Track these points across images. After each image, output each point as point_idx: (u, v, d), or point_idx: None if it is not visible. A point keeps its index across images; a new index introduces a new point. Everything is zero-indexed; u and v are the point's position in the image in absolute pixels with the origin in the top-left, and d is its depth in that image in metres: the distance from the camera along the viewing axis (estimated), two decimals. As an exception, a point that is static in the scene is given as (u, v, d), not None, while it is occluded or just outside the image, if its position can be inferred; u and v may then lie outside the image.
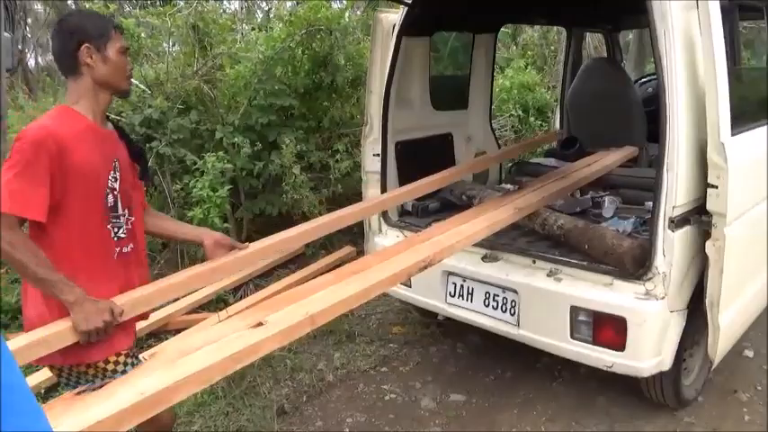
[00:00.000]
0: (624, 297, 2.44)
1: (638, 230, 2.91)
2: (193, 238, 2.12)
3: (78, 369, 1.74)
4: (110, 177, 1.80)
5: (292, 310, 1.74)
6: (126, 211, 1.85)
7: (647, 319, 2.39)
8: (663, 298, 2.40)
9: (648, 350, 2.43)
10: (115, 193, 1.81)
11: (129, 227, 1.86)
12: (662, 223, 2.37)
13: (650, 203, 3.11)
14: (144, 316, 1.91)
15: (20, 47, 6.88)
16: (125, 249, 1.84)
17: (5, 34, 4.81)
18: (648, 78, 5.26)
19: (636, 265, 2.45)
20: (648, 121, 4.09)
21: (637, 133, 4.05)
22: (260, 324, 1.64)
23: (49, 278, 1.61)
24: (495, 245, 2.86)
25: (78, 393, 1.36)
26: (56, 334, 1.57)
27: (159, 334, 3.58)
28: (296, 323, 1.66)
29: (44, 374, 3.00)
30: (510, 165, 4.43)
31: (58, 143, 1.64)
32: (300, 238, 2.39)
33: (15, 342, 1.55)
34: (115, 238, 1.81)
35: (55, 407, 1.29)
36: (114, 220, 1.81)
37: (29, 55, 12.29)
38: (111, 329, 1.65)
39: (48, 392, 2.95)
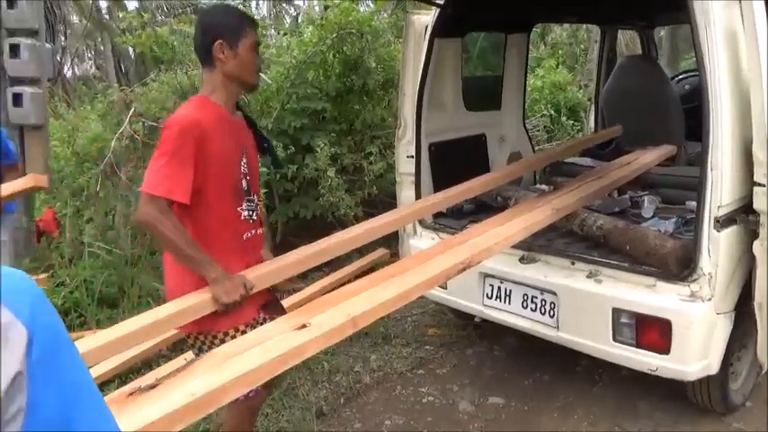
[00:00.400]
0: (668, 299, 2.39)
1: (681, 231, 2.84)
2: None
3: (205, 336, 1.92)
4: (241, 163, 1.95)
5: (334, 313, 1.75)
6: (254, 196, 2.01)
7: (693, 322, 2.34)
8: (709, 299, 2.34)
9: (694, 353, 2.37)
10: (247, 178, 1.97)
11: (258, 211, 2.02)
12: (707, 223, 2.32)
13: (692, 203, 3.05)
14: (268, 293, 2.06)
15: (58, 57, 7.09)
16: (253, 232, 2.00)
17: (46, 45, 4.97)
18: (686, 75, 5.15)
19: (680, 267, 2.39)
20: (686, 119, 4.01)
21: (675, 131, 3.97)
22: (303, 326, 1.66)
23: (196, 257, 1.80)
24: (532, 246, 2.83)
25: (131, 395, 1.39)
26: (199, 303, 1.79)
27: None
28: (338, 325, 1.68)
29: (92, 373, 3.07)
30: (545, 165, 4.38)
31: (201, 130, 1.80)
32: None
33: (164, 310, 1.81)
34: (248, 221, 1.97)
35: (109, 407, 1.32)
36: (247, 204, 1.96)
37: (66, 65, 12.66)
38: (243, 302, 1.84)
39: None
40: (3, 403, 0.63)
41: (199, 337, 1.93)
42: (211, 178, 1.84)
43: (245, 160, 1.96)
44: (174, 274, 1.93)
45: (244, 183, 1.94)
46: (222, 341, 1.85)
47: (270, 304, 2.03)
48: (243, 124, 2.03)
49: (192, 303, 1.79)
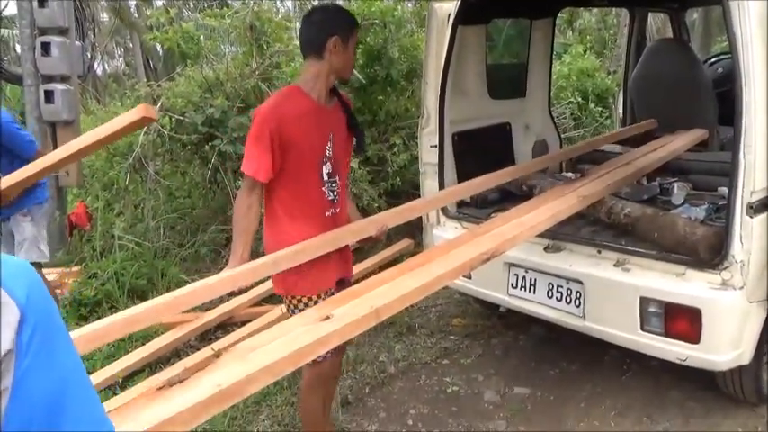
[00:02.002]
0: (698, 287, 2.34)
1: (712, 218, 2.76)
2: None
3: (290, 299, 2.16)
4: (327, 148, 2.14)
5: (358, 304, 1.75)
6: (337, 177, 2.19)
7: (724, 311, 2.28)
8: (741, 288, 2.27)
9: (726, 343, 2.31)
10: (331, 161, 2.15)
11: (341, 191, 2.21)
12: (739, 209, 2.25)
13: (723, 189, 2.96)
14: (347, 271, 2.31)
15: (88, 54, 7.23)
16: (335, 211, 2.19)
17: (76, 43, 5.07)
18: (718, 58, 4.99)
19: (711, 254, 2.33)
20: (719, 103, 3.90)
21: (707, 116, 3.86)
22: (327, 318, 1.66)
23: (235, 239, 2.08)
24: (557, 235, 2.78)
25: (159, 389, 1.42)
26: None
27: (226, 326, 3.70)
28: (362, 317, 1.68)
29: (122, 364, 3.15)
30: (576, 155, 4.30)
31: (279, 120, 2.02)
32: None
33: (262, 260, 2.05)
34: (331, 200, 2.17)
35: (139, 401, 1.35)
36: (330, 185, 2.16)
37: (96, 63, 12.92)
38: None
39: (125, 381, 3.10)
40: None
41: (286, 298, 2.18)
42: (291, 161, 2.06)
43: (330, 145, 2.14)
44: (268, 235, 2.19)
45: (327, 166, 2.14)
46: (306, 305, 2.10)
47: (343, 282, 2.23)
48: (336, 111, 2.21)
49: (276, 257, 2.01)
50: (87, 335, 1.59)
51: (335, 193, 2.18)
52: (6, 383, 0.66)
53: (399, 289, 1.84)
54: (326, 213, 2.17)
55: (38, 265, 3.42)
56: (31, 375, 0.67)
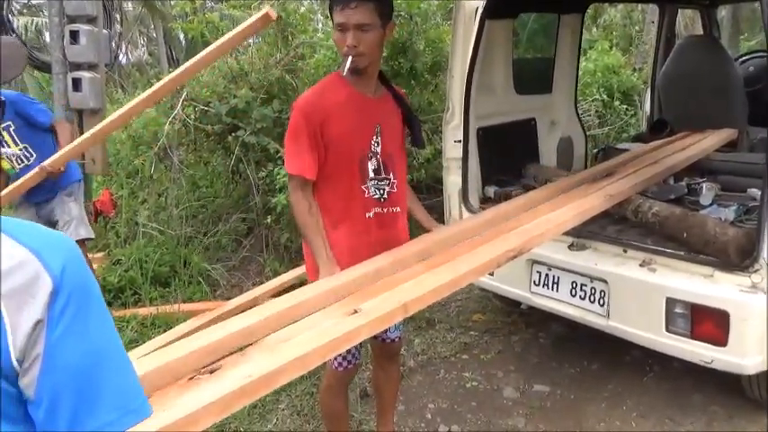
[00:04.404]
0: (727, 289, 2.30)
1: (741, 219, 2.72)
2: (421, 221, 2.26)
3: None
4: (372, 142, 1.98)
5: (386, 299, 1.74)
6: (391, 174, 2.02)
7: (753, 314, 2.24)
8: (771, 291, 2.23)
9: (753, 346, 2.27)
10: (378, 157, 1.99)
11: (394, 190, 2.03)
12: (771, 211, 2.21)
13: (753, 190, 2.92)
14: None
15: (114, 44, 7.29)
16: (383, 210, 2.02)
17: (104, 31, 5.12)
18: (750, 56, 4.88)
19: (741, 256, 2.29)
20: (750, 103, 3.82)
21: (737, 116, 3.79)
22: (355, 312, 1.66)
23: (311, 239, 1.93)
24: (582, 233, 2.76)
25: (191, 379, 1.42)
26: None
27: (246, 316, 3.72)
28: (390, 311, 1.67)
29: (145, 349, 3.19)
30: (596, 150, 4.26)
31: (318, 111, 1.89)
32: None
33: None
34: (377, 198, 2.00)
35: (170, 391, 1.35)
36: (376, 182, 2.00)
37: (121, 52, 13.04)
38: None
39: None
40: (25, 346, 0.68)
41: None
42: (331, 156, 1.92)
43: (378, 139, 1.99)
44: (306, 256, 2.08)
45: (373, 161, 1.98)
46: None
47: None
48: (385, 101, 2.05)
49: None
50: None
51: (384, 191, 2.01)
52: (38, 351, 0.68)
53: (427, 284, 1.82)
54: (368, 214, 2.00)
55: (81, 242, 3.49)
56: (62, 346, 0.69)
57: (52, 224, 3.47)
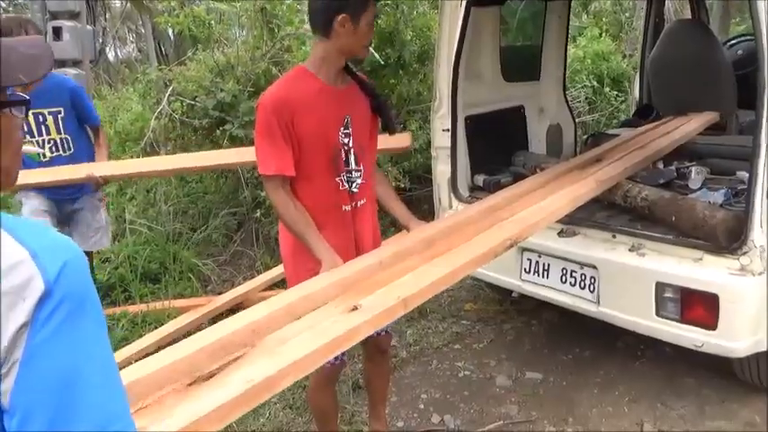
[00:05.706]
0: (716, 273, 2.30)
1: (730, 202, 2.71)
2: (399, 218, 2.20)
3: None
4: (340, 134, 1.93)
5: (384, 294, 1.71)
6: (361, 165, 1.98)
7: (742, 297, 2.24)
8: (760, 274, 2.23)
9: (744, 329, 2.28)
10: (347, 149, 1.95)
11: (364, 181, 2.00)
12: (760, 193, 2.21)
13: (742, 173, 2.91)
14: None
15: (100, 40, 7.22)
16: (358, 204, 2.00)
17: (87, 27, 5.07)
18: (738, 40, 4.87)
19: (730, 239, 2.29)
20: (738, 86, 3.80)
21: (726, 99, 3.77)
22: (355, 308, 1.62)
23: (306, 234, 1.88)
24: (571, 219, 2.74)
25: (190, 384, 1.36)
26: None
27: (238, 310, 3.70)
28: (390, 307, 1.64)
29: (136, 347, 3.17)
30: (585, 136, 4.25)
31: (285, 106, 1.84)
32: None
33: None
34: (348, 192, 1.97)
35: (167, 398, 1.28)
36: (347, 175, 1.96)
37: (108, 48, 12.91)
38: None
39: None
40: (7, 349, 0.64)
41: None
42: (304, 150, 1.88)
43: (348, 130, 1.95)
44: (285, 256, 2.07)
45: (343, 153, 1.94)
46: None
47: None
48: (351, 92, 2.00)
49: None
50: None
51: (356, 184, 1.98)
52: (17, 356, 0.64)
53: (426, 278, 1.80)
54: (344, 207, 1.97)
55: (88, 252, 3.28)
56: (42, 353, 0.65)
57: (67, 224, 3.25)
